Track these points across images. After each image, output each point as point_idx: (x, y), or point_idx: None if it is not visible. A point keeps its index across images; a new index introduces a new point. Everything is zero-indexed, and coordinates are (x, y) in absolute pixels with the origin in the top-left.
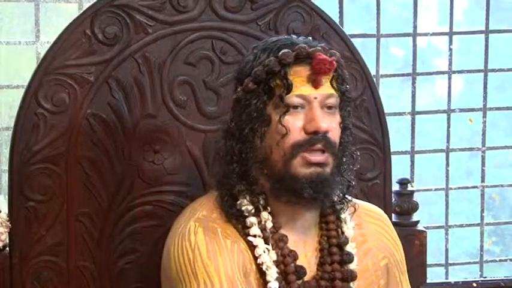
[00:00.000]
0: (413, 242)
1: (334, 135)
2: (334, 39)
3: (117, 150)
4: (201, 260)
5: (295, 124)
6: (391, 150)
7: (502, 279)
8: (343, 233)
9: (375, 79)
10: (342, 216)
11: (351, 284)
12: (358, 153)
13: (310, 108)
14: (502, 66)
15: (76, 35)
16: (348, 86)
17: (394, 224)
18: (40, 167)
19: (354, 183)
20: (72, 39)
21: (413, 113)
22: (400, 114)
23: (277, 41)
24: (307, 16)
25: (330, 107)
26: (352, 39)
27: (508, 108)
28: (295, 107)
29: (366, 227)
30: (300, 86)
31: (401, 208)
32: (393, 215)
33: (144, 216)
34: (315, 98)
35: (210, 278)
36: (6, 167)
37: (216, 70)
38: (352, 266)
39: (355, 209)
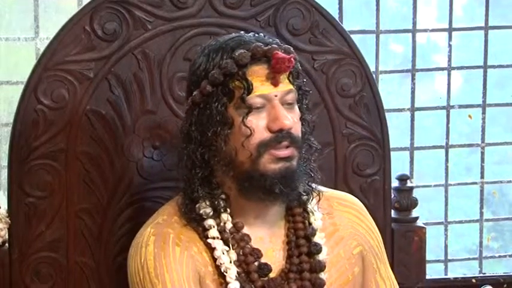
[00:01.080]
0: (412, 238)
1: (297, 129)
2: (333, 35)
3: (116, 146)
4: (150, 279)
5: (258, 124)
6: (391, 147)
7: (501, 275)
8: (310, 224)
9: (374, 75)
10: (309, 207)
11: (321, 274)
12: (316, 142)
13: (271, 107)
14: (501, 62)
15: (75, 31)
16: (304, 80)
17: (394, 220)
18: (39, 163)
19: (316, 172)
20: (72, 35)
21: (413, 109)
22: (399, 110)
23: (229, 40)
24: (307, 12)
25: (289, 103)
26: (352, 36)
27: (507, 105)
28: (257, 107)
29: (337, 215)
30: (260, 86)
31: (400, 204)
32: (392, 211)
33: (143, 212)
34: (275, 95)
35: None
36: (5, 163)
37: None
38: (321, 256)
39: (319, 197)
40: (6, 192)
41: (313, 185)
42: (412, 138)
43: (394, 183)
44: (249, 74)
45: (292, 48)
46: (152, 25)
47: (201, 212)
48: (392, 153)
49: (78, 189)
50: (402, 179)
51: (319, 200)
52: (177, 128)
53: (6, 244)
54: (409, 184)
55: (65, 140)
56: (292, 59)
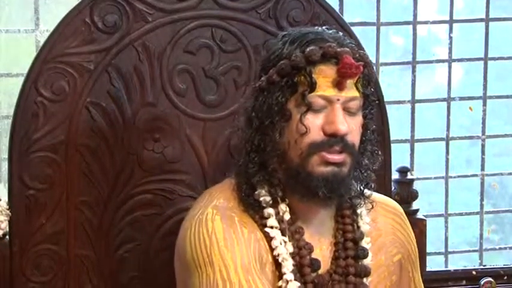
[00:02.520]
0: (413, 230)
1: (353, 137)
2: (334, 27)
3: (116, 138)
4: (218, 248)
5: (314, 123)
6: (391, 139)
7: (502, 267)
8: (358, 227)
9: (374, 67)
10: (358, 211)
11: (365, 279)
12: (380, 153)
13: (331, 110)
14: (502, 54)
15: (75, 23)
16: (373, 89)
17: None
18: (40, 156)
19: (373, 181)
20: (72, 27)
21: (413, 101)
22: (400, 102)
23: (308, 33)
24: (307, 4)
25: (351, 111)
26: (352, 28)
27: (508, 97)
28: (317, 107)
29: (381, 221)
30: (324, 87)
31: (401, 196)
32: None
33: (143, 204)
34: (338, 99)
35: (226, 267)
36: (5, 155)
37: (215, 58)
38: (366, 261)
39: (372, 206)
40: (6, 185)
41: (368, 192)
42: (412, 131)
43: (395, 175)
44: (315, 72)
45: (366, 55)
46: (152, 17)
47: (260, 199)
48: (392, 145)
49: (78, 182)
50: (402, 171)
51: (371, 208)
52: (177, 121)
53: (7, 237)
54: (409, 176)
55: (65, 133)
56: (360, 66)
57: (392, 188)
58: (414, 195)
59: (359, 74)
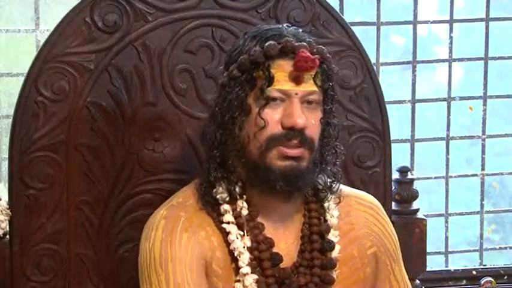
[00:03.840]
0: (413, 230)
1: (312, 131)
2: (334, 27)
3: (117, 138)
4: (155, 267)
5: (273, 117)
6: (391, 139)
7: (502, 267)
8: (325, 221)
9: (375, 67)
10: (325, 204)
11: (331, 271)
12: (342, 148)
13: (289, 103)
14: (502, 54)
15: (76, 23)
16: (331, 84)
17: (394, 212)
18: (40, 155)
19: (340, 175)
20: (72, 27)
21: (414, 101)
22: (400, 102)
23: (268, 30)
24: (308, 4)
25: (310, 102)
26: (353, 27)
27: (508, 96)
28: (275, 99)
29: (355, 215)
30: (282, 81)
31: (401, 196)
32: (393, 203)
33: (144, 204)
34: (296, 93)
35: (160, 287)
36: (6, 155)
37: (216, 58)
38: (333, 254)
39: (340, 200)
40: (6, 184)
41: (335, 185)
42: (412, 130)
43: (395, 175)
44: (273, 67)
45: (325, 51)
46: (153, 17)
47: (217, 196)
48: (393, 145)
49: (78, 181)
50: (403, 171)
51: (339, 202)
52: (177, 120)
53: (7, 236)
54: (409, 176)
55: (65, 132)
56: (316, 60)
57: (393, 188)
58: (414, 195)
59: (315, 67)
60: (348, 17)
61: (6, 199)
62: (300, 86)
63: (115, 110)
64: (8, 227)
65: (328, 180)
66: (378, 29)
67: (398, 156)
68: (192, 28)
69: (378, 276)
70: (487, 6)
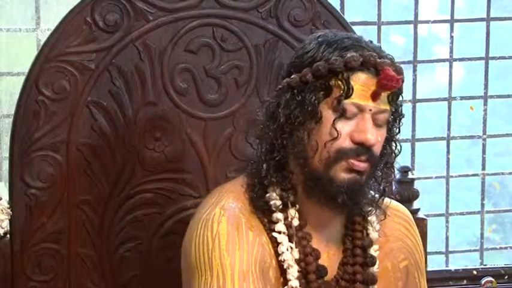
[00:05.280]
0: None
1: (378, 148)
2: (335, 26)
3: (117, 137)
4: (219, 251)
5: (344, 130)
6: None
7: (503, 267)
8: (368, 235)
9: None
10: (369, 218)
11: (372, 287)
12: (397, 167)
13: (362, 118)
14: (503, 53)
15: (76, 22)
16: (402, 103)
17: None
18: (41, 154)
19: (388, 191)
20: (73, 26)
21: (414, 100)
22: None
23: (346, 38)
24: (308, 3)
25: (379, 123)
26: (353, 27)
27: (509, 96)
28: (349, 114)
29: (389, 227)
30: (359, 94)
31: (401, 196)
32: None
33: (144, 203)
34: (370, 110)
35: (223, 273)
36: (7, 154)
37: (216, 58)
38: (373, 269)
39: (385, 216)
40: (7, 184)
41: (382, 201)
42: (413, 130)
43: (396, 174)
44: (352, 79)
45: (403, 70)
46: (153, 16)
47: (271, 202)
48: None
49: (79, 181)
50: (403, 170)
51: (384, 218)
52: (178, 120)
53: (8, 235)
54: (410, 176)
55: (66, 131)
56: (400, 80)
57: (393, 188)
58: (415, 195)
59: (398, 87)
60: (348, 17)
61: (7, 198)
62: (375, 103)
63: (116, 109)
64: (8, 226)
65: (376, 194)
66: (379, 29)
67: (399, 156)
68: (193, 27)
69: None
70: (488, 6)
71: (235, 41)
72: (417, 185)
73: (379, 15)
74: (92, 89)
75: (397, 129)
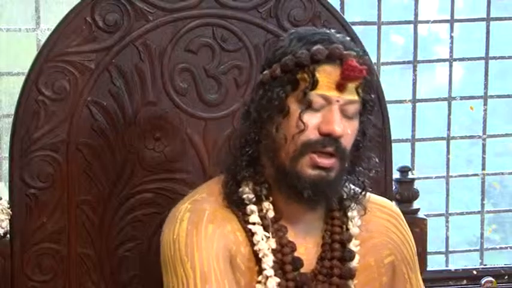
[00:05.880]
0: (413, 229)
1: (346, 141)
2: (335, 26)
3: (117, 137)
4: (180, 256)
5: (312, 122)
6: (392, 138)
7: (502, 267)
8: (347, 229)
9: (375, 67)
10: (349, 213)
11: (349, 281)
12: (377, 160)
13: (329, 110)
14: (503, 53)
15: (76, 22)
16: (373, 95)
17: None
18: (41, 154)
19: (368, 186)
20: (73, 26)
21: (414, 100)
22: (400, 102)
23: (316, 33)
24: (308, 3)
25: (349, 115)
26: (353, 27)
27: (509, 96)
28: (316, 104)
29: (374, 222)
30: (325, 86)
31: (401, 196)
32: (394, 202)
33: (144, 203)
34: (337, 101)
35: (186, 276)
36: (6, 154)
37: (216, 57)
38: (352, 263)
39: (365, 212)
40: (7, 184)
41: (361, 196)
42: (413, 130)
43: (396, 174)
44: (318, 71)
45: (369, 60)
46: (153, 16)
47: (243, 196)
48: (393, 144)
49: (79, 181)
50: (403, 170)
51: (364, 214)
52: (178, 120)
53: (8, 235)
54: (410, 176)
55: (66, 131)
56: (364, 70)
57: (393, 188)
58: (415, 195)
59: (361, 78)
60: (348, 17)
61: (7, 198)
62: (343, 94)
63: (116, 109)
64: (8, 226)
65: (356, 189)
66: (379, 29)
67: (399, 156)
68: (193, 27)
69: (394, 285)
70: (488, 6)
71: (235, 41)
72: (417, 185)
73: (379, 15)
74: (91, 88)
75: (370, 122)
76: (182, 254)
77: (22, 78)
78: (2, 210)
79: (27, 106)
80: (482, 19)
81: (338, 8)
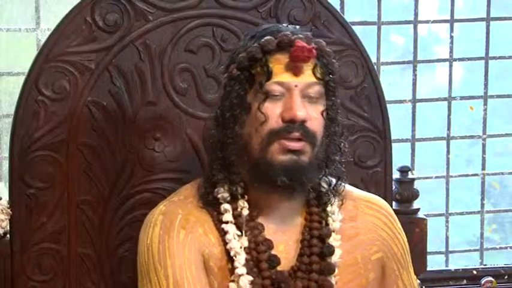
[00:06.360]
0: (413, 229)
1: (314, 124)
2: (335, 26)
3: (117, 137)
4: (153, 264)
5: (273, 111)
6: (392, 138)
7: (502, 267)
8: (327, 225)
9: (375, 67)
10: (329, 208)
11: (330, 277)
12: (347, 145)
13: (289, 96)
14: (503, 53)
15: (76, 22)
16: (332, 76)
17: (395, 212)
18: (41, 154)
19: (344, 176)
20: (73, 26)
21: (414, 100)
22: (400, 102)
23: (266, 28)
24: (308, 3)
25: (311, 97)
26: (353, 27)
27: (509, 96)
28: (275, 94)
29: (361, 219)
30: (280, 74)
31: (401, 196)
32: (394, 202)
33: (144, 203)
34: (296, 86)
35: (160, 284)
36: (7, 154)
37: (216, 57)
38: (333, 259)
39: (342, 202)
40: (7, 183)
41: (341, 187)
42: (413, 130)
43: (395, 174)
44: (271, 61)
45: (323, 44)
46: (153, 16)
47: (218, 196)
48: (393, 144)
49: (79, 181)
50: (403, 170)
51: (341, 205)
52: (178, 120)
53: (8, 235)
54: (410, 176)
55: (66, 131)
56: (313, 49)
57: (393, 187)
58: (415, 195)
59: (311, 57)
60: (348, 17)
61: (7, 198)
62: (299, 78)
63: (116, 109)
64: (8, 226)
65: (333, 181)
66: (379, 29)
67: (399, 156)
68: (193, 27)
69: (384, 282)
70: (488, 6)
71: (235, 41)
72: (417, 185)
73: (379, 15)
74: (91, 89)
75: (334, 104)
76: (155, 261)
77: (22, 78)
78: (2, 210)
79: (27, 106)
80: (482, 19)
81: (338, 8)
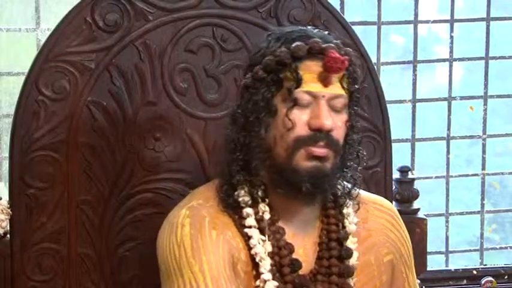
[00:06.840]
0: (413, 229)
1: (338, 134)
2: (335, 26)
3: (117, 137)
4: (186, 259)
5: (300, 118)
6: (392, 138)
7: (502, 267)
8: (344, 227)
9: (375, 67)
10: (345, 211)
11: (349, 279)
12: (365, 153)
13: (316, 105)
14: (503, 53)
15: (76, 22)
16: (357, 86)
17: None
18: (41, 154)
19: (359, 180)
20: (73, 26)
21: (414, 100)
22: (400, 102)
23: (293, 31)
24: (308, 3)
25: (336, 108)
26: (353, 27)
27: (509, 96)
28: (303, 102)
29: (372, 221)
30: (310, 82)
31: (401, 196)
32: (394, 202)
33: (144, 203)
34: (323, 96)
35: (196, 279)
36: (6, 154)
37: (216, 57)
38: (351, 261)
39: (359, 207)
40: (7, 183)
41: (355, 191)
42: (413, 130)
43: (396, 174)
44: (301, 68)
45: (352, 52)
46: (153, 16)
47: (239, 199)
48: (393, 144)
49: (79, 181)
50: (403, 170)
51: (358, 209)
52: (178, 120)
53: (8, 235)
54: (410, 176)
55: (66, 131)
56: (346, 61)
57: (393, 187)
58: (415, 195)
59: (344, 68)
60: (348, 17)
61: (7, 198)
62: (328, 89)
63: (116, 109)
64: (8, 226)
65: (348, 185)
66: (379, 29)
67: (399, 156)
68: (193, 27)
69: (393, 284)
70: (488, 6)
71: (235, 41)
72: (417, 185)
73: (379, 15)
74: (91, 88)
75: (355, 113)
76: (189, 256)
77: (22, 78)
78: (2, 210)
79: (27, 106)
80: (482, 19)
81: (338, 8)
